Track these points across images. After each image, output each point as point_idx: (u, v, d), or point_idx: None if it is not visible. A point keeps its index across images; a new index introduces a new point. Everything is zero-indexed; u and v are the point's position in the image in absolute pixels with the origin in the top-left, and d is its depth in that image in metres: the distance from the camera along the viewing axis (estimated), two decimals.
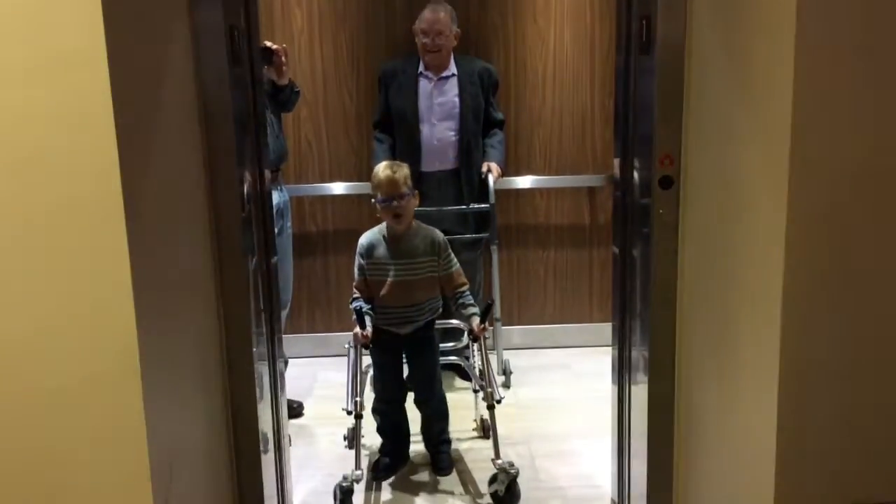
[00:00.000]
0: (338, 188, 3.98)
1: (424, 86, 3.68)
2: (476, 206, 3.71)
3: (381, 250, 2.84)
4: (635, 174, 2.33)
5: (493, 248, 3.77)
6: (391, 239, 2.84)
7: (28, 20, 1.39)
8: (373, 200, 2.83)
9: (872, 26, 1.50)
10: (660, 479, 2.39)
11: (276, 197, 3.17)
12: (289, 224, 3.44)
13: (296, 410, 3.45)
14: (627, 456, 2.59)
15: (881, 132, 1.54)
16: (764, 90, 1.63)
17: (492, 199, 3.67)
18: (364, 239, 2.89)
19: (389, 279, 2.82)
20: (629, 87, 2.33)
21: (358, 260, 2.88)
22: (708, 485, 2.14)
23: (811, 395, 1.62)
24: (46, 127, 1.42)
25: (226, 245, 2.15)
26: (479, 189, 3.75)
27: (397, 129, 3.73)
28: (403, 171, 2.81)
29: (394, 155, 3.67)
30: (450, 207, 3.71)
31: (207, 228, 2.08)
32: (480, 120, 3.75)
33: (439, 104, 3.69)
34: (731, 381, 1.91)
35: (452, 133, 3.70)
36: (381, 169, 2.80)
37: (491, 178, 3.68)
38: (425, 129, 3.68)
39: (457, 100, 3.69)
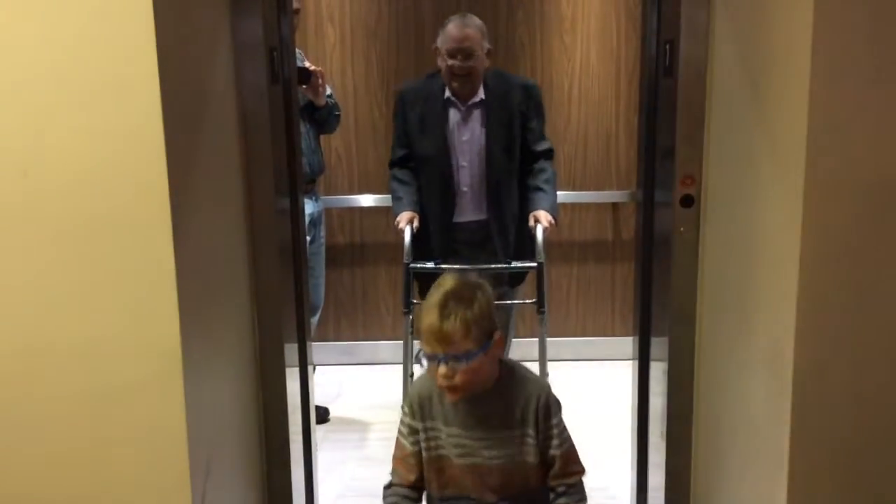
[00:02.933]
0: (366, 200, 4.08)
1: (454, 117, 3.05)
2: (520, 264, 3.04)
3: (439, 409, 1.81)
4: (657, 193, 2.40)
5: (542, 317, 2.98)
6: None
7: (90, 49, 1.51)
8: (418, 355, 2.37)
9: (883, 56, 1.56)
10: (678, 488, 2.44)
11: (310, 207, 3.28)
12: (322, 233, 3.53)
13: (322, 416, 3.54)
14: (645, 466, 2.65)
15: (891, 156, 1.60)
16: (779, 114, 1.70)
17: (540, 256, 2.94)
18: (416, 387, 1.88)
19: (453, 459, 1.81)
20: (653, 107, 2.40)
21: (404, 419, 1.85)
22: (723, 493, 2.19)
23: (822, 404, 1.68)
24: (104, 144, 1.53)
25: (260, 253, 2.24)
26: (519, 240, 3.12)
27: (422, 169, 3.12)
28: (463, 313, 1.67)
29: (420, 201, 3.13)
30: (485, 266, 2.97)
31: (244, 238, 2.18)
32: (515, 155, 3.07)
33: (466, 141, 3.07)
34: (747, 392, 1.97)
35: (481, 174, 3.08)
36: (426, 310, 1.71)
37: (539, 231, 2.96)
38: (456, 171, 3.10)
39: (482, 132, 3.03)
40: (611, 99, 4.06)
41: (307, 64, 3.28)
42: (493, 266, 3.01)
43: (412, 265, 2.97)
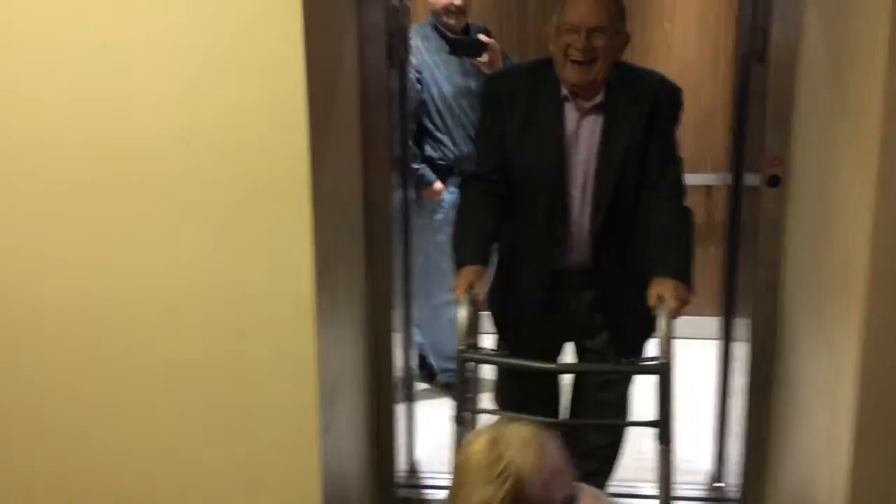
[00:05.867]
0: None
1: (572, 120, 2.19)
2: (630, 364, 2.17)
3: None
4: (746, 175, 2.53)
5: (665, 448, 1.91)
6: None
7: (247, 33, 1.76)
8: None
9: None
10: (756, 458, 2.56)
11: (448, 197, 3.38)
12: None
13: (430, 373, 3.72)
14: (726, 436, 2.79)
15: None
16: (858, 99, 1.82)
17: (664, 352, 1.91)
18: None
19: None
20: (745, 92, 2.53)
21: None
22: (797, 463, 2.32)
23: (891, 372, 1.80)
24: (255, 117, 1.78)
25: (375, 219, 2.48)
26: (631, 309, 2.16)
27: (520, 190, 2.23)
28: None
29: (501, 232, 2.25)
30: (583, 366, 2.38)
31: (360, 206, 2.42)
32: (635, 182, 2.18)
33: (581, 159, 2.19)
34: (820, 367, 2.09)
35: (588, 206, 2.21)
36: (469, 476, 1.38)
37: (663, 316, 1.96)
38: (571, 198, 2.20)
39: (594, 148, 2.18)
40: (709, 85, 4.15)
41: (481, 36, 3.24)
42: (593, 367, 2.34)
43: (468, 353, 1.97)
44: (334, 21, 2.08)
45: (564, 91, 2.17)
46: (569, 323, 2.32)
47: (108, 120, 1.81)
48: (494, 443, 1.38)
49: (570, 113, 2.18)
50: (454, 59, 3.36)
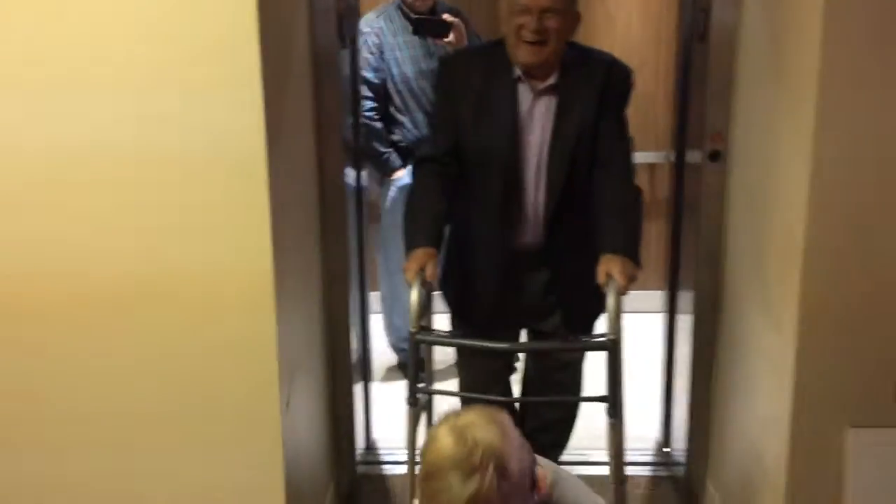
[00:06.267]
0: None
1: (525, 101, 2.19)
2: (580, 341, 2.29)
3: None
4: (689, 151, 2.62)
5: (614, 422, 1.96)
6: None
7: (199, 12, 1.75)
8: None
9: (893, 22, 1.75)
10: (699, 419, 2.67)
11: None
12: None
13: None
14: (672, 404, 2.89)
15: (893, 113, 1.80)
16: (796, 81, 1.91)
17: (613, 329, 1.93)
18: None
19: None
20: (687, 70, 2.61)
21: None
22: (741, 427, 2.43)
23: (823, 332, 1.91)
24: (213, 97, 1.78)
25: (329, 200, 2.50)
26: (583, 288, 2.13)
27: (474, 172, 2.23)
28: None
29: (457, 221, 2.29)
30: (535, 345, 2.49)
31: (315, 186, 2.44)
32: (587, 162, 2.20)
33: (534, 141, 2.21)
34: (764, 333, 2.18)
35: (542, 187, 2.22)
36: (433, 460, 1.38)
37: (612, 293, 1.97)
38: (525, 179, 2.22)
39: (548, 129, 2.19)
40: (651, 65, 4.24)
41: (445, 16, 3.20)
42: (545, 345, 2.42)
43: (420, 335, 1.96)
44: (285, 1, 2.09)
45: (518, 72, 2.17)
46: (524, 304, 2.32)
47: (64, 104, 1.79)
48: (461, 433, 1.36)
49: (524, 94, 2.18)
50: (417, 41, 3.31)
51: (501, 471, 1.33)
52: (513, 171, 2.19)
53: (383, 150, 3.36)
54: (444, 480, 1.33)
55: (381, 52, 3.31)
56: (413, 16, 3.28)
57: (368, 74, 3.25)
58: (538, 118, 2.19)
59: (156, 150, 1.82)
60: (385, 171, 3.40)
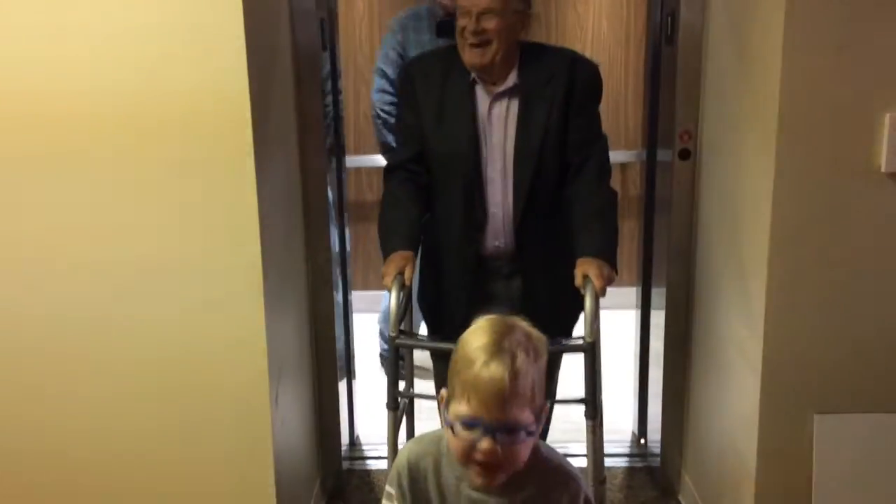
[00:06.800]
0: None
1: (483, 103, 2.18)
2: (567, 342, 2.11)
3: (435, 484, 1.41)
4: (659, 150, 2.71)
5: (592, 423, 1.98)
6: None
7: (189, 9, 1.80)
8: (446, 423, 1.35)
9: (850, 26, 1.84)
10: (674, 409, 2.75)
11: None
12: None
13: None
14: (647, 397, 2.97)
15: (850, 114, 1.89)
16: (760, 80, 2.00)
17: (590, 331, 1.94)
18: (410, 455, 1.44)
19: None
20: (656, 72, 2.70)
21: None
22: (714, 416, 2.51)
23: (789, 323, 1.99)
24: (201, 93, 1.82)
25: (312, 201, 2.55)
26: (560, 289, 2.11)
27: (439, 176, 2.22)
28: (532, 366, 1.30)
29: (429, 227, 2.26)
30: None
31: (299, 188, 2.48)
32: (556, 164, 2.17)
33: (495, 144, 2.18)
34: (734, 323, 2.26)
35: (510, 191, 2.19)
36: (474, 352, 1.30)
37: (589, 296, 1.96)
38: (490, 182, 2.19)
39: (511, 132, 2.17)
40: (621, 68, 4.35)
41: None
42: None
43: (400, 339, 1.98)
44: (268, 4, 2.13)
45: (473, 75, 2.15)
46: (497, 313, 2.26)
47: (57, 100, 1.83)
48: (497, 324, 1.33)
49: (482, 96, 2.16)
50: (441, 42, 3.16)
51: (536, 356, 1.29)
52: (476, 174, 2.16)
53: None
54: (483, 361, 1.27)
55: (405, 49, 3.27)
56: (439, 17, 3.18)
57: (389, 70, 3.25)
58: (499, 120, 2.16)
59: (145, 146, 1.85)
60: None
